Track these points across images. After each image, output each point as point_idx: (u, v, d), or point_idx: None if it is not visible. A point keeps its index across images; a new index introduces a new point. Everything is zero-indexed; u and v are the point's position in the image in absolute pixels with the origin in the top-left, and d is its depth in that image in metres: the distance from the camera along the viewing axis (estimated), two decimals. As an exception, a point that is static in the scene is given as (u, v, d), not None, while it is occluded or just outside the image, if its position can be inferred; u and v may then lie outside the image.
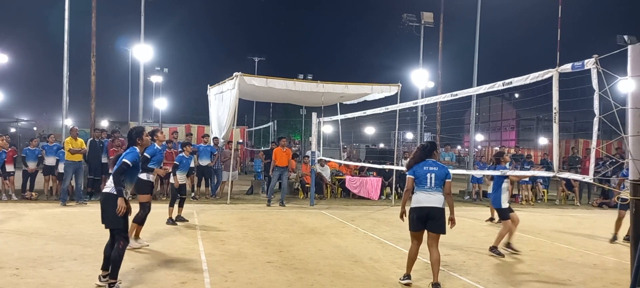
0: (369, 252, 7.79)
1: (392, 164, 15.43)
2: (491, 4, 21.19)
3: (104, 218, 5.48)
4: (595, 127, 5.45)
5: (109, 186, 5.43)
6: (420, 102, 15.55)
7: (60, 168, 13.04)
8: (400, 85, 15.24)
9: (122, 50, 39.44)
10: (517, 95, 59.12)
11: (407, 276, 5.94)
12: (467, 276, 6.51)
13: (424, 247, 5.93)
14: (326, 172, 16.34)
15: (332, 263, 6.93)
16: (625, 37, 22.09)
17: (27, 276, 5.81)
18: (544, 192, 16.97)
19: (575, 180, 15.96)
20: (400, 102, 13.77)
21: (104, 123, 40.35)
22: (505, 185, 7.99)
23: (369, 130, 46.39)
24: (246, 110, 44.08)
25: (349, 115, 15.66)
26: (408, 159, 6.27)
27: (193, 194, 14.47)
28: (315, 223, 10.58)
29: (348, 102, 17.83)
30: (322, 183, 15.93)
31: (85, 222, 9.78)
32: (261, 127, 37.54)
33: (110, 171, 5.59)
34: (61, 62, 15.64)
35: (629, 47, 4.60)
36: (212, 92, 16.55)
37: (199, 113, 37.49)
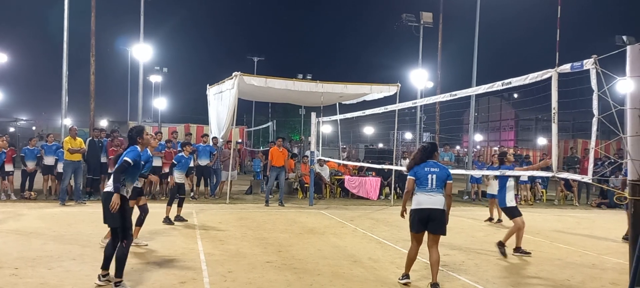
0: (368, 252, 7.79)
1: (391, 164, 15.43)
2: (490, 4, 21.20)
3: (105, 218, 5.49)
4: (594, 128, 5.46)
5: (110, 185, 5.44)
6: (420, 102, 15.56)
7: (59, 168, 13.03)
8: (400, 85, 15.25)
9: (121, 50, 39.42)
10: (516, 96, 59.19)
11: (406, 276, 5.96)
12: (466, 276, 6.52)
13: (423, 247, 5.94)
14: (325, 172, 16.34)
15: (331, 263, 6.93)
16: (624, 37, 22.11)
17: (26, 276, 5.81)
18: (542, 192, 16.98)
19: (574, 181, 15.98)
20: (399, 102, 13.77)
21: (103, 123, 40.36)
22: (509, 183, 7.96)
23: (368, 130, 46.39)
24: (245, 110, 44.08)
25: (348, 115, 15.67)
26: (409, 160, 6.26)
27: (192, 194, 14.47)
28: (314, 223, 10.59)
29: (347, 102, 17.84)
30: (321, 183, 15.93)
31: (84, 221, 9.78)
32: (260, 127, 37.56)
33: (109, 170, 5.60)
34: (60, 61, 15.63)
35: (628, 48, 4.60)
36: (212, 91, 16.55)
37: (198, 113, 37.45)
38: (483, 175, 14.85)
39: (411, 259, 5.93)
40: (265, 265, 6.68)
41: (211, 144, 15.13)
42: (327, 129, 29.70)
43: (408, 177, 5.94)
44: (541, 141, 45.16)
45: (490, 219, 11.80)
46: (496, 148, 28.27)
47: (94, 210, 11.24)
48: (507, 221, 11.27)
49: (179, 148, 11.12)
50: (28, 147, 13.83)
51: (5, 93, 47.59)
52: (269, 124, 34.10)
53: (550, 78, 6.20)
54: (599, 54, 5.25)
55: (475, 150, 31.10)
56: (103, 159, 13.50)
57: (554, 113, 6.21)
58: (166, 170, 13.25)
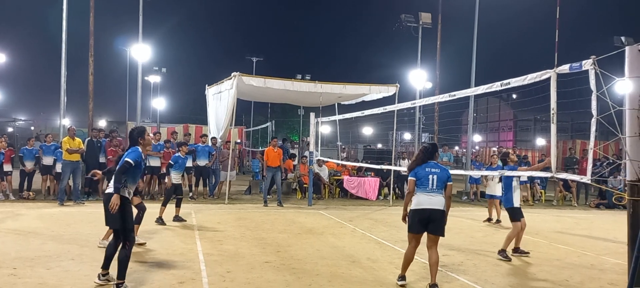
0: (366, 253, 7.79)
1: (390, 165, 15.44)
2: (489, 5, 21.27)
3: (107, 219, 5.46)
4: (593, 128, 5.46)
5: (110, 187, 5.42)
6: (418, 102, 15.57)
7: (58, 168, 13.01)
8: (398, 85, 15.26)
9: (120, 50, 39.42)
10: (514, 96, 59.25)
11: (402, 277, 5.91)
12: (465, 276, 6.52)
13: (421, 247, 5.93)
14: (324, 172, 16.34)
15: (329, 264, 6.93)
16: (623, 38, 22.12)
17: (25, 276, 5.80)
18: (541, 192, 16.99)
19: (572, 181, 15.99)
20: (398, 103, 13.77)
21: (102, 123, 40.27)
22: (515, 183, 7.92)
23: (367, 131, 46.44)
24: (244, 111, 44.06)
25: (347, 116, 15.67)
26: (409, 161, 6.25)
27: (191, 194, 14.47)
28: (313, 224, 10.59)
29: (346, 103, 17.85)
30: (320, 183, 15.93)
31: (83, 221, 9.77)
32: (259, 127, 37.53)
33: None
34: (59, 61, 15.60)
35: (627, 49, 4.60)
36: (211, 92, 16.54)
37: (197, 113, 37.44)
38: (482, 176, 14.86)
39: (408, 260, 5.89)
40: (263, 266, 6.68)
41: (210, 144, 15.12)
42: (326, 129, 29.72)
43: (409, 177, 5.92)
44: (540, 142, 45.18)
45: (489, 220, 11.80)
46: (495, 148, 28.31)
47: (92, 210, 11.24)
48: (506, 222, 11.30)
49: (176, 149, 11.10)
50: (26, 147, 13.82)
51: (4, 93, 47.56)
52: (268, 124, 34.09)
53: (549, 79, 6.20)
54: (597, 54, 5.25)
55: (474, 150, 31.12)
56: (102, 159, 13.50)
57: (552, 114, 6.21)
58: (165, 170, 13.24)
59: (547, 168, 7.79)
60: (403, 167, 13.25)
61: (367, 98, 16.50)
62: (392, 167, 14.53)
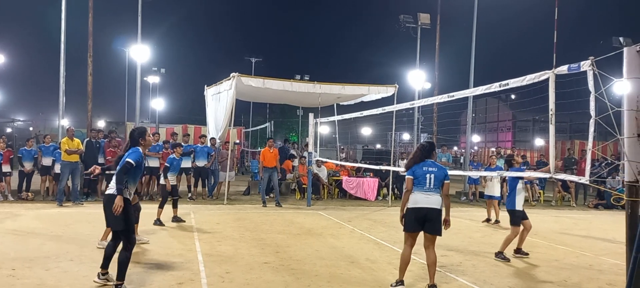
0: (365, 253, 7.80)
1: (389, 165, 15.45)
2: (488, 6, 21.27)
3: (108, 221, 5.45)
4: (591, 129, 5.47)
5: (111, 188, 5.40)
6: (417, 103, 15.58)
7: (57, 168, 13.00)
8: (397, 86, 15.27)
9: (119, 51, 39.43)
10: (513, 97, 59.34)
11: (401, 282, 5.76)
12: (463, 277, 6.53)
13: (419, 248, 5.91)
14: (323, 173, 16.35)
15: (328, 264, 6.94)
16: (621, 39, 22.16)
17: (24, 276, 5.80)
18: (540, 193, 17.00)
19: (571, 182, 16.01)
20: (397, 103, 13.77)
21: (101, 123, 40.31)
22: (520, 185, 7.85)
23: (366, 131, 46.47)
24: (243, 111, 44.09)
25: (346, 116, 15.67)
26: (407, 160, 6.20)
27: (190, 195, 14.46)
28: (312, 224, 10.59)
29: (345, 103, 17.85)
30: (319, 184, 15.93)
31: (82, 222, 9.76)
32: (258, 127, 37.54)
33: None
34: (58, 61, 15.61)
35: (625, 49, 4.62)
36: (210, 92, 16.53)
37: (196, 113, 37.40)
38: (481, 176, 14.87)
39: (405, 262, 5.75)
40: (262, 266, 6.68)
41: (209, 144, 15.11)
42: (324, 130, 29.76)
43: (406, 176, 5.87)
44: (538, 142, 45.26)
45: (488, 220, 11.81)
46: (493, 149, 28.34)
47: (91, 210, 11.23)
48: (505, 222, 11.32)
49: (171, 150, 11.07)
50: (25, 148, 13.81)
51: (3, 93, 47.51)
52: (267, 124, 34.14)
53: (547, 79, 6.21)
54: (596, 55, 5.26)
55: (472, 151, 31.14)
56: (100, 160, 13.48)
57: (551, 114, 6.22)
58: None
59: (542, 165, 7.78)
60: (402, 168, 13.25)
61: (366, 98, 16.50)
62: (391, 168, 14.54)
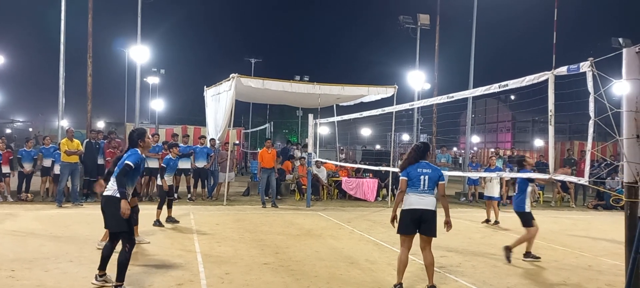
0: (365, 254, 7.80)
1: (389, 166, 15.45)
2: (487, 6, 21.28)
3: (107, 223, 5.43)
4: (591, 130, 5.48)
5: (110, 189, 5.38)
6: (417, 104, 15.59)
7: (56, 169, 12.99)
8: (397, 87, 15.28)
9: (118, 51, 39.43)
10: (513, 97, 59.32)
11: (399, 285, 5.69)
12: (463, 278, 6.53)
13: (416, 250, 5.88)
14: (322, 174, 16.35)
15: (328, 265, 6.94)
16: (620, 39, 22.17)
17: (23, 277, 5.80)
18: (539, 193, 17.01)
19: (570, 182, 16.01)
20: (396, 104, 13.78)
21: (100, 124, 40.29)
22: (529, 188, 7.83)
23: (366, 132, 46.45)
24: (243, 112, 44.04)
25: (346, 117, 15.67)
26: (402, 160, 6.17)
27: (189, 196, 14.45)
28: (311, 225, 10.59)
29: (344, 104, 17.85)
30: (318, 184, 15.93)
31: (81, 223, 9.76)
32: (258, 128, 37.52)
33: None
34: (57, 62, 15.61)
35: (624, 50, 4.62)
36: (209, 93, 16.54)
37: (195, 114, 37.41)
38: (480, 177, 14.87)
39: (403, 264, 5.69)
40: (262, 267, 6.68)
41: (208, 145, 15.11)
42: (324, 131, 29.76)
43: (401, 177, 5.80)
44: (538, 143, 45.25)
45: (487, 221, 11.81)
46: (493, 149, 28.35)
47: (90, 211, 11.23)
48: (504, 223, 11.33)
49: (168, 150, 11.05)
50: (25, 148, 13.80)
51: (2, 94, 47.50)
52: (267, 125, 34.10)
53: (546, 80, 6.21)
54: (595, 56, 5.27)
55: (472, 152, 31.14)
56: (100, 161, 13.48)
57: (550, 115, 6.22)
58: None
59: (545, 169, 7.78)
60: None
61: (365, 99, 16.51)
62: (391, 168, 14.53)
